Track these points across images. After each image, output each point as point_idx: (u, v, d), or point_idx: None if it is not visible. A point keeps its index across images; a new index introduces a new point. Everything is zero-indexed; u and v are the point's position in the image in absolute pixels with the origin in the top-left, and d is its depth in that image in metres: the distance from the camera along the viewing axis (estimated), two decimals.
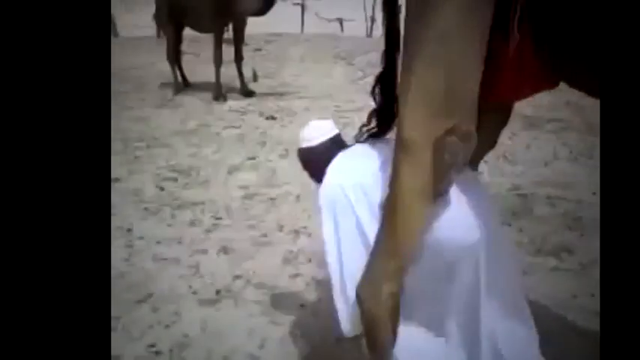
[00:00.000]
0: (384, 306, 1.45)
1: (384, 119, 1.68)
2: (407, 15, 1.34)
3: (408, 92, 1.32)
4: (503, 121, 1.69)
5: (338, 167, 1.60)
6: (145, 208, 3.29)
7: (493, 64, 1.32)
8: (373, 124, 1.69)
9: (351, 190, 1.50)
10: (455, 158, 1.34)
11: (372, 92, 1.67)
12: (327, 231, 1.56)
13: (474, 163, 1.67)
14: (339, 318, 1.59)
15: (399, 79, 1.46)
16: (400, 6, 1.58)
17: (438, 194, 1.39)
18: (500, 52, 1.31)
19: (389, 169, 1.49)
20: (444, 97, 1.27)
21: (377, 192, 1.49)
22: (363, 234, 1.52)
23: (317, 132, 1.70)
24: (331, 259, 1.58)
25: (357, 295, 1.50)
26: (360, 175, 1.54)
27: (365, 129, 1.70)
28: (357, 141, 1.69)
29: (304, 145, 1.71)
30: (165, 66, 6.86)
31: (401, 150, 1.35)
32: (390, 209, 1.40)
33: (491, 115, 1.53)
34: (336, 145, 1.69)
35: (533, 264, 2.57)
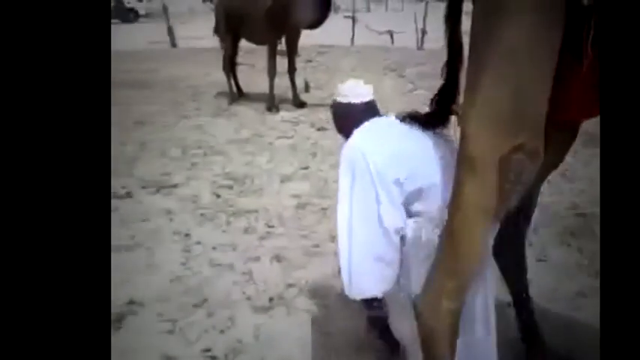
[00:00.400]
0: (443, 322, 1.45)
1: (434, 124, 1.67)
2: (473, 29, 1.34)
3: (474, 108, 1.32)
4: (570, 140, 1.66)
5: (365, 134, 1.61)
6: (202, 214, 3.40)
7: (563, 83, 1.30)
8: (421, 118, 1.67)
9: (372, 162, 1.51)
10: (520, 177, 1.32)
11: (431, 103, 1.66)
12: (343, 186, 1.57)
13: (537, 182, 1.64)
14: (342, 278, 1.58)
15: (462, 93, 1.46)
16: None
17: (501, 213, 1.37)
18: (570, 71, 1.29)
19: (410, 149, 1.55)
20: (512, 114, 1.27)
21: (391, 171, 1.50)
22: (379, 204, 1.51)
23: (355, 91, 1.74)
24: (342, 216, 1.57)
25: (415, 308, 1.50)
26: (380, 150, 1.54)
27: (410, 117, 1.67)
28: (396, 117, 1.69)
29: (339, 99, 1.74)
30: (220, 76, 7.09)
31: (465, 167, 1.35)
32: (452, 226, 1.40)
33: (558, 134, 1.50)
34: (369, 109, 1.72)
35: (593, 287, 2.47)
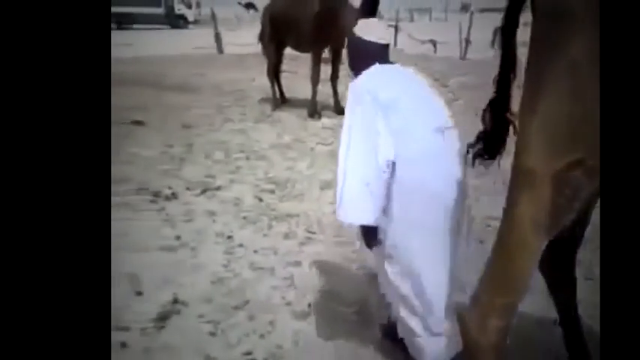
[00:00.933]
0: (489, 338, 1.42)
1: (492, 144, 1.66)
2: (534, 41, 1.31)
3: (531, 120, 1.30)
4: None
5: (373, 75, 1.74)
6: (244, 217, 3.45)
7: None
8: (480, 145, 1.68)
9: (376, 97, 1.65)
10: (578, 193, 1.28)
11: (483, 117, 1.66)
12: (348, 118, 1.72)
13: (594, 197, 1.59)
14: (337, 198, 1.74)
15: (516, 105, 1.44)
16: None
17: (555, 229, 1.34)
18: None
19: (412, 94, 1.71)
20: (571, 128, 1.23)
21: (390, 111, 1.64)
22: (377, 135, 1.65)
23: (376, 31, 1.82)
24: (343, 145, 1.72)
25: (462, 322, 1.48)
26: (385, 90, 1.67)
27: (472, 149, 1.69)
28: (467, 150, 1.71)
29: (359, 33, 1.82)
30: (265, 82, 7.19)
31: (519, 180, 1.33)
32: (503, 240, 1.37)
33: None
34: (384, 53, 1.81)
35: None
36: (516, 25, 1.54)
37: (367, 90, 1.67)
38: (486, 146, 1.66)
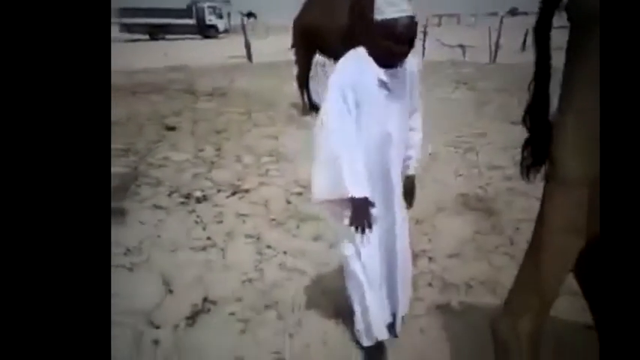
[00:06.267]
0: (520, 344, 1.40)
1: (538, 149, 1.62)
2: (568, 45, 1.30)
3: (566, 123, 1.28)
4: None
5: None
6: (273, 219, 3.49)
7: None
8: (527, 155, 1.63)
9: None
10: None
11: (523, 121, 1.62)
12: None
13: None
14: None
15: (555, 111, 1.42)
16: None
17: (590, 232, 1.32)
18: None
19: None
20: None
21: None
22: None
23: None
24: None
25: (493, 326, 1.46)
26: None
27: (524, 163, 1.64)
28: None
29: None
30: (293, 89, 7.26)
31: (555, 184, 1.31)
32: (536, 244, 1.36)
33: None
34: None
35: None
36: (550, 26, 1.51)
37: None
38: (533, 153, 1.61)
